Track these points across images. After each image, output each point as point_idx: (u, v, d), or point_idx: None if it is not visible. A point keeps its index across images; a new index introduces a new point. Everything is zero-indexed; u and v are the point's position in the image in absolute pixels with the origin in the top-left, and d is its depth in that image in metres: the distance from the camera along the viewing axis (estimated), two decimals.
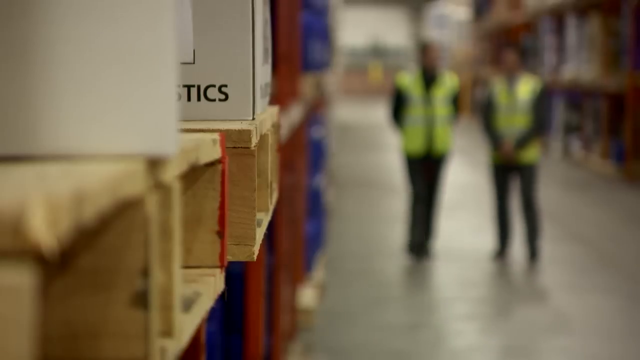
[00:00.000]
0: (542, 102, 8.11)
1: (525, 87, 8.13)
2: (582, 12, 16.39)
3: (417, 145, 8.07)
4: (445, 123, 8.09)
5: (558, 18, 18.43)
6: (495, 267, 8.11)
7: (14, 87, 1.07)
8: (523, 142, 8.06)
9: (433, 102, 8.06)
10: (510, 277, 7.69)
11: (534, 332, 6.24)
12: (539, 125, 8.09)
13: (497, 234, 8.36)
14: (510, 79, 8.14)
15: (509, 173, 8.21)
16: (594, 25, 15.47)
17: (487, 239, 9.36)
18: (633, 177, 14.10)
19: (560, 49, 17.88)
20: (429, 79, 8.11)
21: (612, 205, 11.82)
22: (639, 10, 14.04)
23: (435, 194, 8.30)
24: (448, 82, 8.17)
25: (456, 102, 8.20)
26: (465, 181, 13.71)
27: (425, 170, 8.19)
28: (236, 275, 3.94)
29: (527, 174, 8.14)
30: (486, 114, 8.19)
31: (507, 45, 8.42)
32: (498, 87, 8.16)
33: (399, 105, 8.15)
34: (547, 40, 19.06)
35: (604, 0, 15.11)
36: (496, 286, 7.43)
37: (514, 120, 8.10)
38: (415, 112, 8.04)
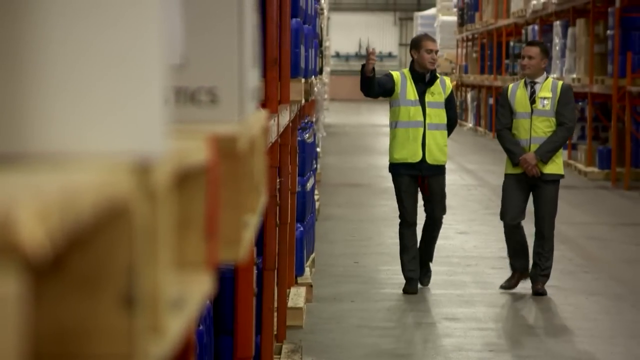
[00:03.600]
0: (568, 105, 7.08)
1: (547, 90, 7.11)
2: (568, 18, 16.44)
3: (407, 153, 7.11)
4: (438, 131, 7.14)
5: (544, 23, 18.48)
6: (482, 270, 8.13)
7: (4, 87, 1.09)
8: (548, 151, 7.00)
9: (425, 108, 7.13)
10: (497, 281, 7.71)
11: (520, 333, 6.26)
12: (567, 131, 7.07)
13: (515, 256, 7.17)
14: (531, 82, 7.12)
15: (528, 186, 7.10)
16: (580, 31, 15.52)
17: (473, 241, 9.39)
18: (618, 181, 14.15)
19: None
20: (420, 81, 7.18)
21: (597, 209, 11.87)
22: (623, 17, 14.09)
23: (434, 214, 7.21)
24: (442, 85, 7.22)
25: (452, 108, 7.24)
26: (448, 182, 13.74)
27: (419, 186, 7.20)
28: (226, 276, 3.95)
29: (549, 189, 7.03)
30: (503, 122, 7.14)
31: (530, 43, 7.40)
32: (517, 92, 7.14)
33: (380, 86, 7.11)
34: None
35: (590, 6, 15.16)
36: (482, 288, 7.46)
37: (536, 128, 7.06)
38: (404, 117, 7.12)
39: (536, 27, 18.83)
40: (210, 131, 1.51)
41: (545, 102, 7.05)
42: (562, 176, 7.12)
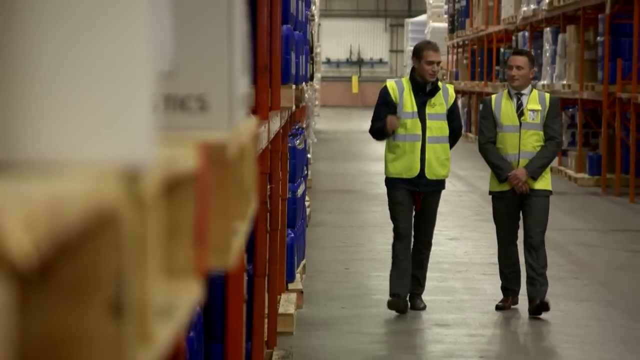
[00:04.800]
0: (556, 118, 6.68)
1: (535, 103, 6.68)
2: (558, 25, 16.49)
3: (402, 168, 6.65)
4: (439, 144, 6.67)
5: (534, 30, 18.54)
6: (472, 276, 8.14)
7: None
8: (539, 167, 6.62)
9: (425, 120, 6.64)
10: (488, 287, 7.72)
11: (511, 339, 6.26)
12: (557, 146, 6.68)
13: (507, 279, 6.82)
14: (518, 94, 6.70)
15: (517, 203, 6.72)
16: (570, 37, 15.57)
17: (464, 247, 9.40)
18: (608, 187, 14.19)
19: (537, 61, 17.97)
20: (420, 91, 6.67)
21: (588, 215, 11.89)
22: (613, 23, 14.14)
23: (424, 230, 6.79)
24: (445, 95, 6.73)
25: (456, 119, 6.74)
26: None
27: (415, 201, 6.75)
28: (217, 283, 3.95)
29: (539, 205, 6.64)
30: (487, 135, 6.72)
31: (516, 52, 6.94)
32: (502, 104, 6.70)
33: (384, 116, 6.62)
34: None
35: (580, 13, 15.21)
36: (473, 294, 7.46)
37: (525, 142, 6.65)
38: (400, 130, 6.62)
39: (526, 34, 18.89)
40: (200, 138, 1.50)
41: (534, 114, 6.62)
42: (551, 192, 6.74)
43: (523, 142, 6.64)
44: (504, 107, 6.69)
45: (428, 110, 6.65)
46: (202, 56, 1.73)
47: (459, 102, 26.90)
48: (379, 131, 6.67)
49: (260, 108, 4.27)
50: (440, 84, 6.75)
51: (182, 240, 1.43)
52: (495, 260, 7.51)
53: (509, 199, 6.71)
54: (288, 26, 5.61)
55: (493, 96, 6.82)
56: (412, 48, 7.34)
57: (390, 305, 6.72)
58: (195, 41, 1.73)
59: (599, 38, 14.56)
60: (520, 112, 6.65)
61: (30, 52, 1.09)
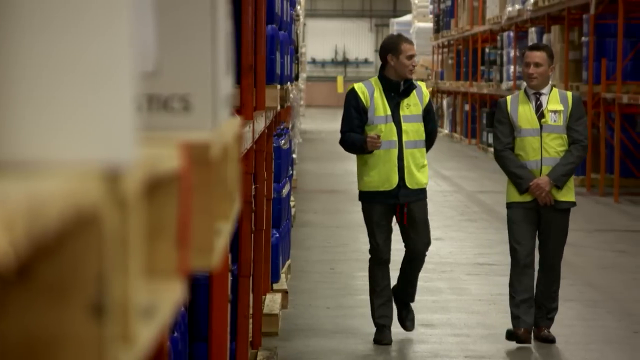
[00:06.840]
0: (581, 119, 5.95)
1: (557, 102, 5.95)
2: (543, 25, 16.55)
3: (379, 180, 5.90)
4: (417, 149, 5.96)
5: (519, 30, 18.62)
6: (457, 276, 8.15)
7: None
8: (564, 174, 5.91)
9: (401, 123, 5.92)
10: (473, 287, 7.73)
11: (495, 339, 6.27)
12: (583, 150, 5.96)
13: (519, 307, 5.97)
14: (536, 93, 5.97)
15: (537, 216, 5.99)
16: (555, 37, 15.62)
17: (449, 247, 9.41)
18: (593, 187, 14.24)
19: (522, 61, 18.02)
20: (393, 92, 5.93)
21: (573, 215, 11.90)
22: (598, 23, 14.19)
23: (416, 243, 6.01)
24: (419, 94, 6.00)
25: (432, 119, 6.03)
26: None
27: (396, 215, 6.01)
28: (202, 283, 3.95)
29: (562, 222, 5.98)
30: (504, 141, 5.96)
31: (534, 47, 6.11)
32: (519, 106, 5.96)
33: (356, 125, 5.91)
34: (509, 52, 19.27)
35: (565, 13, 15.26)
36: (458, 294, 7.47)
37: (547, 147, 5.92)
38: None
39: (511, 34, 18.96)
40: (183, 138, 1.50)
41: (556, 116, 5.89)
42: (575, 204, 6.05)
43: (545, 147, 5.90)
44: (521, 109, 5.93)
45: (402, 112, 5.90)
46: (186, 56, 1.73)
47: (444, 103, 27.19)
48: (355, 146, 5.91)
49: (244, 108, 4.26)
50: (413, 81, 6.03)
51: (164, 240, 1.42)
52: (481, 260, 7.52)
53: (529, 211, 5.94)
54: (273, 26, 5.61)
55: (508, 97, 6.06)
56: None
57: (376, 339, 6.02)
58: (178, 41, 1.72)
59: (583, 38, 14.61)
60: (540, 113, 5.91)
61: (12, 53, 1.09)
